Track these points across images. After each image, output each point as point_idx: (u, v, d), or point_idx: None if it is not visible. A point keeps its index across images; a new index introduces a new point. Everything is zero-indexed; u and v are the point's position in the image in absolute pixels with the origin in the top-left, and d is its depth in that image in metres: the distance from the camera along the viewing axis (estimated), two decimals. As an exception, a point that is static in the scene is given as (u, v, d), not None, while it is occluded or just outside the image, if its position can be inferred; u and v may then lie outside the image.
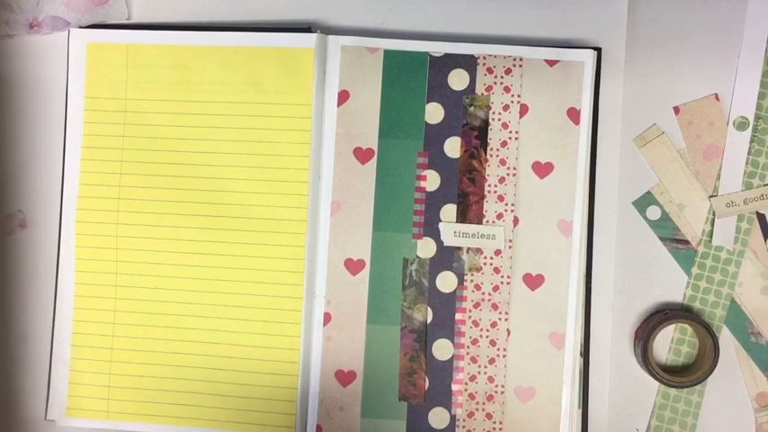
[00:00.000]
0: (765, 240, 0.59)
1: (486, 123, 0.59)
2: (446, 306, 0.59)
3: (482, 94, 0.59)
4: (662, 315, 0.58)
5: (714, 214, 0.59)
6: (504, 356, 0.58)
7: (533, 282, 0.58)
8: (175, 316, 0.60)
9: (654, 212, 0.60)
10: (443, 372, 0.59)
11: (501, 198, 0.59)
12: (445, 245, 0.59)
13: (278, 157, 0.59)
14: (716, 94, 0.59)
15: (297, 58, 0.59)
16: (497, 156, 0.59)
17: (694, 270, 0.59)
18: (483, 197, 0.59)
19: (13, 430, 0.61)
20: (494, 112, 0.59)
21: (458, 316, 0.59)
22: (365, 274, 0.59)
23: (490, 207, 0.59)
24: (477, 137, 0.59)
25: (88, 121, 0.61)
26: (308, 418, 0.59)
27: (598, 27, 0.60)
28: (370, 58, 0.59)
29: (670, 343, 0.60)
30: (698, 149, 0.60)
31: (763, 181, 0.59)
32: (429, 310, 0.59)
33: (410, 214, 0.59)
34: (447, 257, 0.59)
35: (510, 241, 0.59)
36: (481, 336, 0.58)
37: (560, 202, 0.58)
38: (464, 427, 0.58)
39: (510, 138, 0.59)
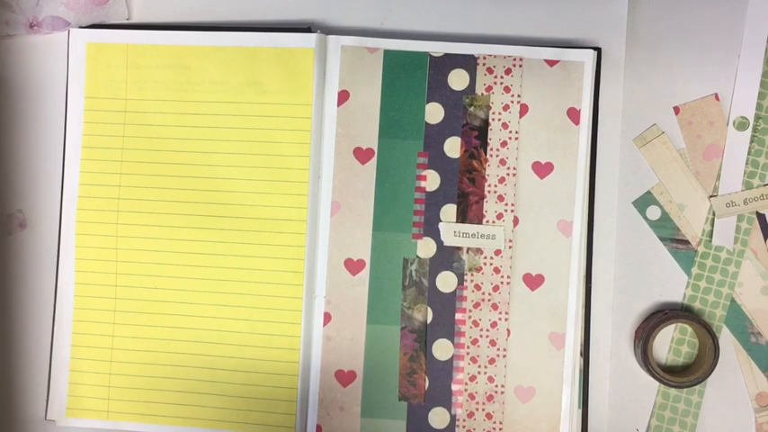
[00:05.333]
0: (765, 240, 0.59)
1: (486, 123, 0.59)
2: (446, 306, 0.59)
3: (482, 94, 0.59)
4: (662, 315, 0.58)
5: (714, 214, 0.59)
6: (504, 356, 0.58)
7: (533, 282, 0.58)
8: (175, 316, 0.60)
9: (654, 212, 0.60)
10: (443, 372, 0.59)
11: (501, 198, 0.59)
12: (445, 245, 0.59)
13: (278, 157, 0.59)
14: (716, 94, 0.59)
15: (297, 58, 0.59)
16: (497, 156, 0.59)
17: (694, 270, 0.59)
18: (483, 197, 0.59)
19: (13, 430, 0.61)
20: (494, 112, 0.59)
21: (458, 316, 0.59)
22: (365, 274, 0.59)
23: (490, 207, 0.59)
24: (477, 137, 0.59)
25: (88, 121, 0.61)
26: (308, 418, 0.59)
27: (598, 27, 0.60)
28: (370, 58, 0.59)
29: (670, 343, 0.60)
30: (698, 149, 0.60)
31: (763, 181, 0.59)
32: (429, 310, 0.59)
33: (410, 214, 0.59)
34: (447, 257, 0.59)
35: (510, 241, 0.59)
36: (481, 336, 0.58)
37: (560, 202, 0.58)
38: (464, 427, 0.58)
39: (510, 138, 0.59)
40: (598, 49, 0.59)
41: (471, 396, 0.58)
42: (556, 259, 0.58)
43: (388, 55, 0.59)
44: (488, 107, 0.59)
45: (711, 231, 0.59)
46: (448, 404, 0.59)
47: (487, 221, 0.59)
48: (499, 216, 0.59)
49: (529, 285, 0.58)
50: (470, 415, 0.58)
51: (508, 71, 0.59)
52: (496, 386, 0.58)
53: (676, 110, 0.60)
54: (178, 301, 0.60)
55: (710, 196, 0.59)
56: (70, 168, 0.61)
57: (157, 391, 0.60)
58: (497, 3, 0.60)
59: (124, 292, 0.60)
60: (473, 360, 0.58)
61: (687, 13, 0.60)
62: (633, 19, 0.60)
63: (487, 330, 0.58)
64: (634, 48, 0.60)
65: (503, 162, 0.59)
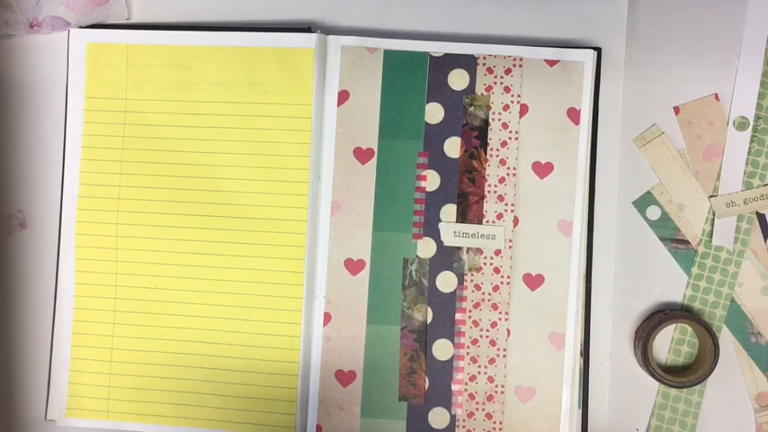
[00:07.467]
0: (765, 240, 0.59)
1: (486, 123, 0.59)
2: (446, 306, 0.59)
3: (482, 94, 0.59)
4: (662, 315, 0.58)
5: (714, 214, 0.59)
6: (504, 356, 0.58)
7: (533, 282, 0.58)
8: (175, 316, 0.60)
9: (654, 212, 0.60)
10: (443, 372, 0.59)
11: (501, 198, 0.59)
12: (445, 245, 0.59)
13: (278, 157, 0.59)
14: (716, 94, 0.59)
15: (297, 58, 0.59)
16: (497, 156, 0.59)
17: (694, 270, 0.59)
18: (483, 197, 0.59)
19: (13, 430, 0.61)
20: (494, 112, 0.59)
21: (458, 316, 0.59)
22: (365, 274, 0.59)
23: (490, 207, 0.59)
24: (477, 137, 0.59)
25: (88, 121, 0.61)
26: (308, 418, 0.59)
27: (598, 27, 0.60)
28: (370, 58, 0.59)
29: (670, 343, 0.60)
30: (698, 149, 0.60)
31: (763, 181, 0.59)
32: (429, 310, 0.59)
33: (410, 214, 0.59)
34: (447, 257, 0.59)
35: (510, 241, 0.59)
36: (481, 336, 0.58)
37: (560, 202, 0.58)
38: (464, 427, 0.58)
39: (510, 138, 0.59)
40: (598, 49, 0.59)
41: (471, 396, 0.58)
42: (556, 259, 0.58)
43: (388, 55, 0.59)
44: (488, 107, 0.59)
45: (711, 231, 0.59)
46: (448, 404, 0.59)
47: (487, 221, 0.59)
48: (499, 216, 0.59)
49: (529, 285, 0.58)
50: (470, 415, 0.58)
51: (508, 71, 0.59)
52: (496, 386, 0.58)
53: (676, 110, 0.60)
54: (178, 301, 0.60)
55: (710, 196, 0.59)
56: (70, 168, 0.61)
57: (157, 391, 0.60)
58: (497, 3, 0.60)
59: (124, 292, 0.60)
60: (473, 360, 0.58)
61: (687, 13, 0.60)
62: (633, 19, 0.60)
63: (487, 330, 0.58)
64: (634, 48, 0.60)
65: (503, 162, 0.59)
